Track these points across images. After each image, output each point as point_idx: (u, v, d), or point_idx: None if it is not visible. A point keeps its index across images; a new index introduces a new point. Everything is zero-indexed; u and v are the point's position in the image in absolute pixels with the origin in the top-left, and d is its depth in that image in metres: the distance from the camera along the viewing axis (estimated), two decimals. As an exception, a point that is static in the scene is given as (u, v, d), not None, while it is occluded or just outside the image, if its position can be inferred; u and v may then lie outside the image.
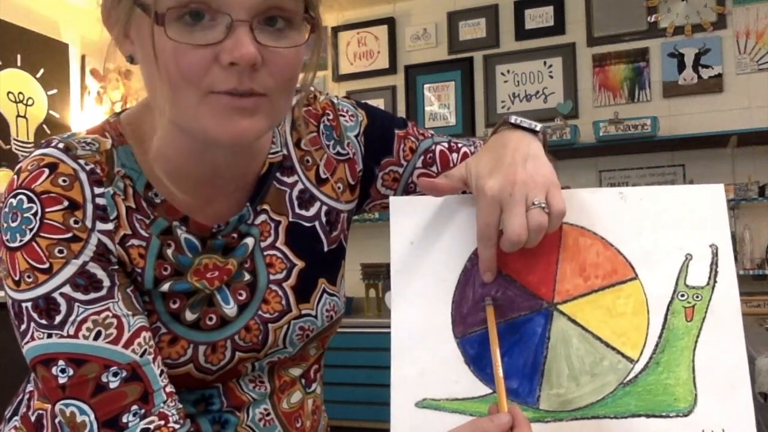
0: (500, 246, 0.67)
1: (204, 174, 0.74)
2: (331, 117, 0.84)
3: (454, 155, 0.90)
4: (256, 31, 0.63)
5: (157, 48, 0.63)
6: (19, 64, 3.85)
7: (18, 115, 3.85)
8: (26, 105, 3.90)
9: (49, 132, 3.99)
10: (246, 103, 0.64)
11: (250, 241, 0.77)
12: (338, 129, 0.84)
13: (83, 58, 4.22)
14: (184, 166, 0.73)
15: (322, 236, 0.82)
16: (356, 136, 0.86)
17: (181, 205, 0.73)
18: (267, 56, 0.64)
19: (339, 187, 0.84)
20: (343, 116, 0.85)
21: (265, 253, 0.78)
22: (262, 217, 0.78)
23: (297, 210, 0.80)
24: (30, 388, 0.82)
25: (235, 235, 0.76)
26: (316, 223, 0.82)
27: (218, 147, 0.72)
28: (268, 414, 0.79)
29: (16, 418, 0.82)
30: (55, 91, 4.06)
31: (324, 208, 0.82)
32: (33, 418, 0.80)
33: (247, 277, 0.77)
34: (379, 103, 4.50)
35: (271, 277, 0.78)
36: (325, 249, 0.82)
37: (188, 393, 0.75)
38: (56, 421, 0.77)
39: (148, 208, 0.72)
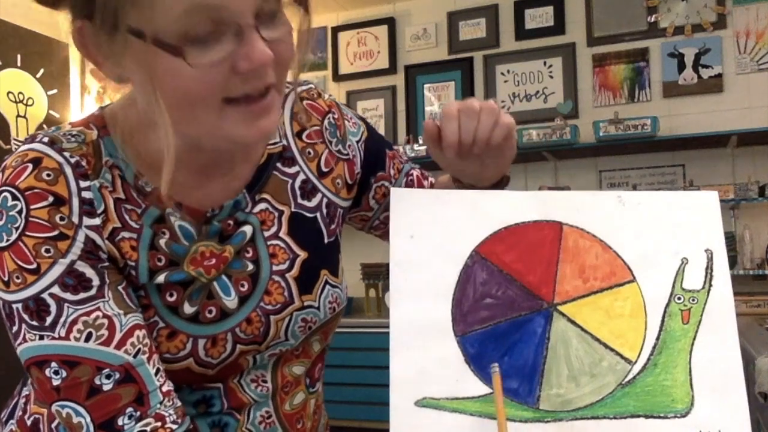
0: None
1: (201, 163, 0.74)
2: (336, 116, 0.86)
3: (425, 182, 0.95)
4: (261, 30, 0.63)
5: (170, 74, 0.61)
6: (19, 64, 3.85)
7: (18, 115, 3.85)
8: (26, 105, 3.90)
9: (49, 132, 3.98)
10: (262, 105, 0.66)
11: (248, 229, 0.76)
12: (342, 129, 0.86)
13: (83, 58, 4.22)
14: (182, 158, 0.72)
15: (323, 228, 0.82)
16: (357, 142, 0.87)
17: (174, 191, 0.72)
18: (273, 49, 0.64)
19: (338, 183, 0.84)
20: (348, 121, 0.87)
21: (268, 243, 0.77)
22: (263, 206, 0.78)
23: (299, 200, 0.80)
24: (26, 392, 0.82)
25: (231, 222, 0.75)
26: (318, 215, 0.82)
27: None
28: (270, 417, 0.79)
29: (12, 421, 0.81)
30: (55, 91, 4.06)
31: (325, 200, 0.83)
32: (29, 422, 0.79)
33: (249, 267, 0.76)
34: (379, 103, 4.51)
35: (274, 268, 0.77)
36: (326, 240, 0.82)
37: (189, 394, 0.74)
38: (53, 425, 0.76)
39: (138, 198, 0.71)
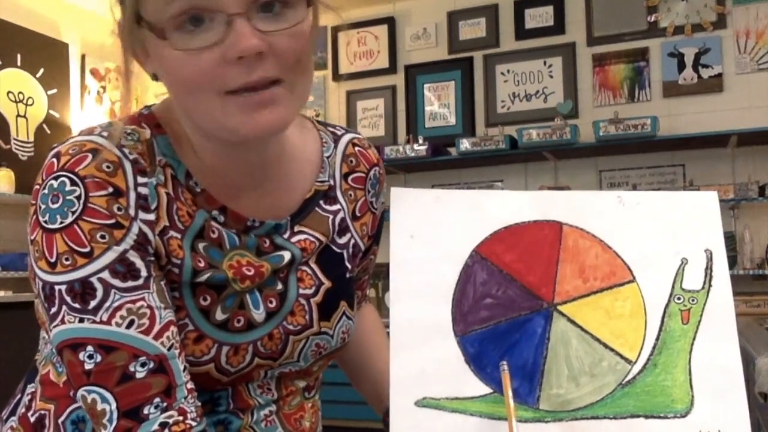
0: None
1: (238, 174, 0.76)
2: (381, 172, 0.91)
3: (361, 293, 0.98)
4: (254, 21, 0.65)
5: (167, 60, 0.66)
6: (19, 64, 3.86)
7: (18, 115, 3.86)
8: (26, 105, 3.90)
9: (49, 132, 3.99)
10: (263, 96, 0.67)
11: (286, 254, 0.78)
12: (380, 186, 0.91)
13: (83, 58, 4.23)
14: (217, 167, 0.75)
15: (347, 264, 0.85)
16: (382, 205, 0.92)
17: (219, 194, 0.75)
18: (272, 42, 0.66)
19: (364, 230, 0.88)
20: (384, 183, 0.92)
21: (298, 267, 0.80)
22: (301, 237, 0.80)
23: (334, 235, 0.84)
24: (31, 388, 0.82)
25: (267, 241, 0.78)
26: (345, 251, 0.85)
27: (246, 145, 0.74)
28: (270, 415, 0.80)
29: (13, 418, 0.81)
30: (55, 90, 4.06)
31: (352, 240, 0.86)
32: (33, 419, 0.79)
33: (279, 286, 0.78)
34: (379, 102, 4.51)
35: (301, 291, 0.79)
36: (347, 275, 0.85)
37: (199, 395, 0.74)
38: (59, 420, 0.77)
39: (189, 198, 0.74)
